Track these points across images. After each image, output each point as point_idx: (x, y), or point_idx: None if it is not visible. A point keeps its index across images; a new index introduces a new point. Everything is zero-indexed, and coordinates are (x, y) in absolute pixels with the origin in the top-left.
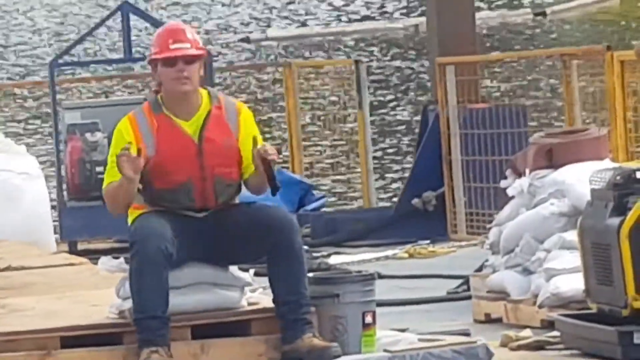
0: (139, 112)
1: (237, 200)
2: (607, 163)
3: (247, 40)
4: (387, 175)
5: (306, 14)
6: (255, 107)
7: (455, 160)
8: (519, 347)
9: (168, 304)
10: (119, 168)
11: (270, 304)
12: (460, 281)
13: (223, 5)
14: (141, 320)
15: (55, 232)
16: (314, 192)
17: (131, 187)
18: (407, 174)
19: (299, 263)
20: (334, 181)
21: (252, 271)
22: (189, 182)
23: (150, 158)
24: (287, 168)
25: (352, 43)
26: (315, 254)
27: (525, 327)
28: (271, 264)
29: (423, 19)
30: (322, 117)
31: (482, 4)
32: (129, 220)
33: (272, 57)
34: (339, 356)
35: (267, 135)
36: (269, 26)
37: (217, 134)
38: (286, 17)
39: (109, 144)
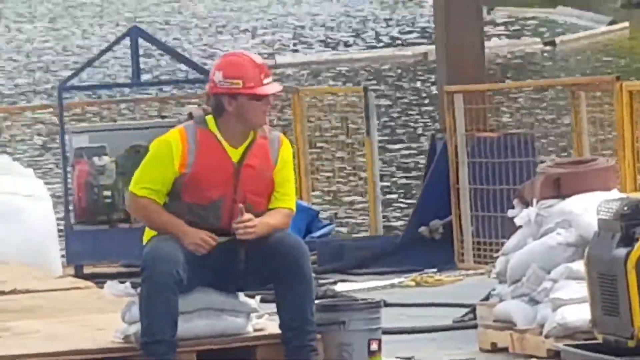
0: (189, 126)
1: None
2: (614, 193)
3: None
4: (394, 202)
5: (316, 41)
6: None
7: (463, 189)
8: None
9: (177, 329)
10: (193, 239)
11: (276, 330)
12: (466, 310)
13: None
14: (149, 344)
15: (61, 256)
16: (321, 219)
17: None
18: (414, 202)
19: (307, 289)
20: (340, 208)
21: (258, 297)
22: (220, 201)
23: (186, 172)
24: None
25: (361, 70)
26: (321, 281)
27: (531, 356)
28: (279, 288)
29: (432, 47)
30: (329, 144)
31: (492, 30)
32: (144, 238)
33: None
34: None
35: None
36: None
37: (257, 162)
38: (295, 45)
39: (117, 168)
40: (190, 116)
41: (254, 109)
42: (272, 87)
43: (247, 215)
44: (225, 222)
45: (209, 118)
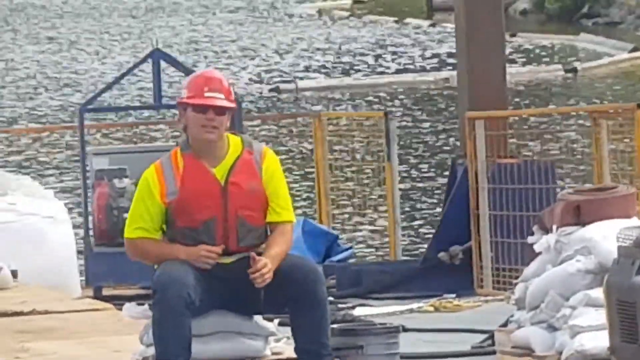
0: (165, 158)
1: (262, 248)
2: (634, 221)
3: (277, 90)
4: (414, 228)
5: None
6: (284, 157)
7: (483, 215)
8: None
9: (190, 352)
10: (195, 256)
11: (294, 354)
12: (485, 336)
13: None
14: None
15: (80, 277)
16: (340, 243)
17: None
18: (434, 228)
19: (321, 313)
20: (360, 232)
21: (276, 321)
22: (211, 222)
23: (173, 200)
24: (314, 218)
25: (382, 95)
26: (340, 305)
27: None
28: (294, 312)
29: (454, 72)
30: (350, 169)
31: (514, 57)
32: (156, 266)
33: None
34: None
35: (296, 185)
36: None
37: (243, 178)
38: (316, 69)
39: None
40: (177, 144)
41: (196, 122)
42: (210, 100)
43: (261, 263)
44: (219, 242)
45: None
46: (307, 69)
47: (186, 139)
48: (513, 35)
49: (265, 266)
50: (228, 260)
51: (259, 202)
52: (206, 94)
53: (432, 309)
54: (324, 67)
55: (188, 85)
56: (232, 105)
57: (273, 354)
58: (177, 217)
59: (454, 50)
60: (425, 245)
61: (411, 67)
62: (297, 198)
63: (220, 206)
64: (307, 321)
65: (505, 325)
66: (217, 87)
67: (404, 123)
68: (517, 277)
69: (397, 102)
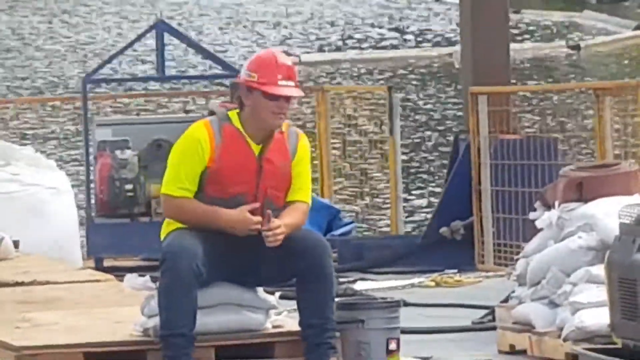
0: (214, 123)
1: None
2: (636, 198)
3: None
4: (416, 203)
5: (341, 39)
6: None
7: (485, 191)
8: None
9: (195, 323)
10: (238, 223)
11: (295, 327)
12: (485, 311)
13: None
14: (167, 338)
15: (82, 248)
16: (342, 217)
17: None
18: (436, 203)
19: (328, 287)
20: (362, 207)
21: (278, 294)
22: (242, 196)
23: (212, 166)
24: (316, 192)
25: (386, 69)
26: (341, 280)
27: (549, 359)
28: (300, 286)
29: (457, 48)
30: (353, 143)
31: (517, 33)
32: (162, 233)
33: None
34: None
35: None
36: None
37: (277, 156)
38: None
39: (139, 161)
40: (212, 112)
41: (266, 107)
42: (286, 90)
43: (275, 222)
44: None
45: (232, 113)
46: (310, 42)
47: (224, 112)
48: (517, 11)
49: (279, 227)
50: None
51: (286, 183)
52: (280, 83)
53: (433, 284)
54: (327, 40)
55: (258, 66)
56: (302, 93)
57: (274, 327)
58: (209, 185)
59: (457, 26)
60: (427, 221)
61: (415, 41)
62: None
63: (254, 182)
64: (313, 295)
65: (506, 301)
66: (290, 75)
67: (407, 98)
68: (518, 253)
69: (400, 77)
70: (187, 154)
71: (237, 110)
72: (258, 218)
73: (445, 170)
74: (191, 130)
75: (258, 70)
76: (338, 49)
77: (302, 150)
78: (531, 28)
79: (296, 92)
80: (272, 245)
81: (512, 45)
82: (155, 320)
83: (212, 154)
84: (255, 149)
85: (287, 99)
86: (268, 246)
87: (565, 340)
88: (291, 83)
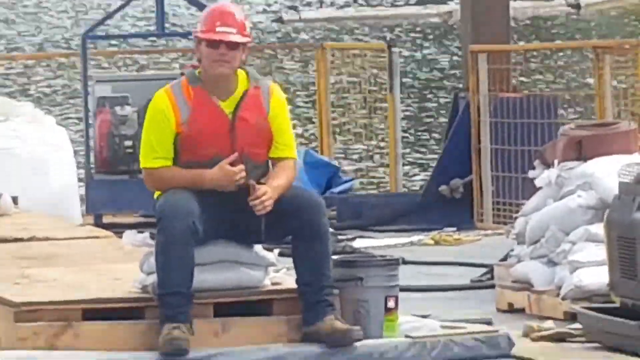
0: (175, 85)
1: (264, 181)
2: (636, 157)
3: (280, 20)
4: (415, 160)
5: None
6: (286, 88)
7: (485, 149)
8: (541, 338)
9: (193, 281)
10: (223, 178)
11: (294, 285)
12: (484, 270)
13: None
14: (165, 296)
15: (81, 205)
16: (342, 174)
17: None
18: (435, 161)
19: (323, 245)
20: (361, 164)
21: (276, 251)
22: (218, 158)
23: (182, 130)
24: (316, 150)
25: (386, 27)
26: (340, 237)
27: (547, 318)
28: (296, 244)
29: (457, 6)
30: (352, 100)
31: None
32: (156, 192)
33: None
34: (360, 340)
35: (297, 116)
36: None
37: (250, 114)
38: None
39: (139, 118)
40: (182, 75)
41: (207, 56)
42: (221, 35)
43: (261, 190)
44: None
45: (197, 72)
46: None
47: (192, 72)
48: None
49: (265, 194)
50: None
51: (264, 139)
52: (218, 29)
53: (432, 242)
54: None
55: (203, 18)
56: (245, 39)
57: (272, 284)
58: (183, 150)
59: None
60: (426, 179)
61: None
62: (298, 129)
63: (228, 142)
64: (308, 253)
65: (505, 259)
66: (229, 21)
67: (407, 55)
68: (517, 212)
69: (400, 35)
70: (154, 125)
71: (199, 70)
72: (240, 167)
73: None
74: (153, 100)
75: (202, 20)
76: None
77: (277, 104)
78: None
79: (233, 37)
80: (262, 213)
81: (512, 4)
82: (154, 277)
83: (178, 119)
84: (226, 107)
85: (227, 45)
86: (258, 215)
87: (563, 298)
88: (231, 29)
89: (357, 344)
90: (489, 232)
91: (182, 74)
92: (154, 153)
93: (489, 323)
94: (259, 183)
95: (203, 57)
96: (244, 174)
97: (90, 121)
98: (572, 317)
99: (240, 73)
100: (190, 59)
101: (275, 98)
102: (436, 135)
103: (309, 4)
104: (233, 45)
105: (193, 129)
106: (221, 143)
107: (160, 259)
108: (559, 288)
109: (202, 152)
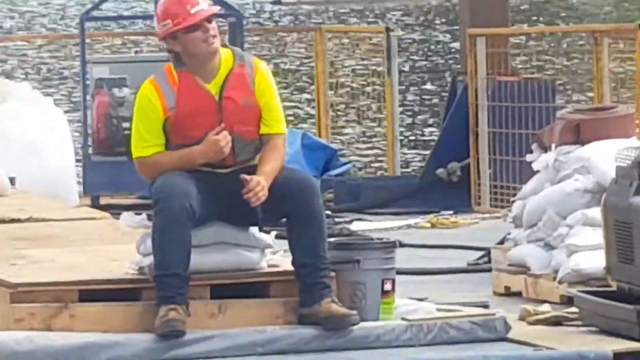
0: (160, 75)
1: (257, 160)
2: (633, 141)
3: (278, 2)
4: (412, 144)
5: None
6: (284, 71)
7: (482, 132)
8: (537, 322)
9: (190, 263)
10: (212, 148)
11: (290, 267)
12: (481, 253)
13: None
14: (162, 277)
15: (78, 186)
16: (339, 157)
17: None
18: (433, 144)
19: (318, 226)
20: (359, 147)
21: (273, 233)
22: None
23: (171, 115)
24: (314, 133)
25: (384, 10)
26: (337, 220)
27: (544, 301)
28: (291, 226)
29: None
30: (350, 84)
31: None
32: None
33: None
34: (357, 323)
35: (295, 100)
36: None
37: (237, 92)
38: None
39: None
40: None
41: (194, 40)
42: (200, 14)
43: (253, 182)
44: (218, 159)
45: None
46: None
47: (175, 57)
48: None
49: (258, 184)
50: (225, 171)
51: (253, 116)
52: (192, 11)
53: (429, 225)
54: None
55: (167, 12)
56: (218, 9)
57: (269, 266)
58: (173, 134)
59: None
60: (424, 162)
61: None
62: (295, 111)
63: (216, 123)
64: (304, 235)
65: (501, 242)
66: (194, 1)
67: (405, 38)
68: (514, 195)
69: (398, 18)
70: (141, 114)
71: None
72: (224, 133)
73: (441, 111)
74: (140, 90)
75: (168, 15)
76: None
77: (262, 79)
78: None
79: (210, 10)
80: (256, 204)
81: None
82: (151, 259)
83: (164, 105)
84: (212, 88)
85: (208, 20)
86: (253, 206)
87: (560, 282)
88: (202, 6)
89: (354, 327)
90: (486, 215)
91: (168, 59)
92: (145, 142)
93: (485, 306)
94: (249, 174)
95: (189, 46)
96: (229, 138)
97: (88, 103)
98: (568, 300)
99: (224, 51)
100: None
101: (260, 74)
102: (434, 119)
103: None
104: (210, 19)
105: (180, 113)
106: (210, 123)
107: (157, 240)
108: (556, 272)
109: (192, 133)
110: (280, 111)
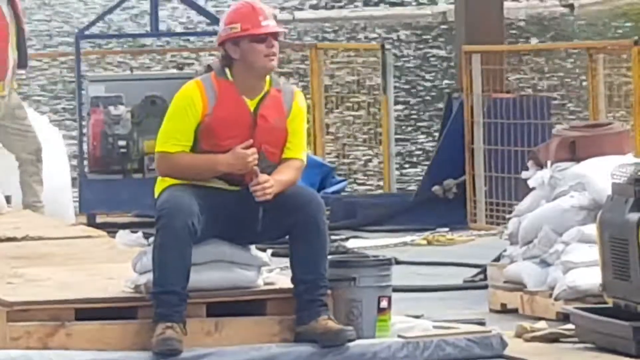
0: (206, 78)
1: None
2: (629, 158)
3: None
4: (408, 161)
5: None
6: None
7: (478, 149)
8: (534, 339)
9: (188, 281)
10: (238, 162)
11: (287, 285)
12: (477, 270)
13: None
14: (160, 295)
15: (74, 204)
16: (335, 175)
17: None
18: (429, 161)
19: (321, 243)
20: (355, 165)
21: (269, 251)
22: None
23: (206, 119)
24: (309, 150)
25: (379, 28)
26: (333, 237)
27: (540, 318)
28: (293, 242)
29: (451, 6)
30: (345, 101)
31: None
32: (157, 189)
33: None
34: (353, 340)
35: None
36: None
37: (271, 112)
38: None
39: (132, 118)
40: (209, 68)
41: (256, 52)
42: (270, 27)
43: (263, 177)
44: (238, 174)
45: (226, 70)
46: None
47: (220, 66)
48: None
49: (268, 181)
50: (235, 188)
51: (281, 139)
52: (263, 23)
53: (425, 242)
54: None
55: (237, 16)
56: (285, 29)
57: (266, 284)
58: (202, 139)
59: None
60: (420, 179)
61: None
62: None
63: (247, 137)
64: (306, 251)
65: (497, 259)
66: (268, 14)
67: (400, 56)
68: (510, 212)
69: (394, 35)
70: (180, 111)
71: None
72: (253, 149)
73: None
74: (183, 88)
75: (239, 19)
76: (331, 7)
77: (297, 108)
78: None
79: (280, 28)
80: (262, 199)
81: (506, 4)
82: (147, 277)
83: (205, 109)
84: (250, 104)
85: (274, 36)
86: (258, 201)
87: (556, 299)
88: (272, 22)
89: (350, 344)
90: (482, 232)
91: (208, 66)
92: (174, 139)
93: (481, 323)
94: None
95: (249, 55)
96: (256, 156)
97: (84, 121)
98: (564, 317)
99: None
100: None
101: (297, 102)
102: (430, 136)
103: (302, 6)
104: (276, 37)
105: (216, 119)
106: (241, 136)
107: (157, 257)
108: (552, 288)
109: (221, 143)
110: (304, 140)
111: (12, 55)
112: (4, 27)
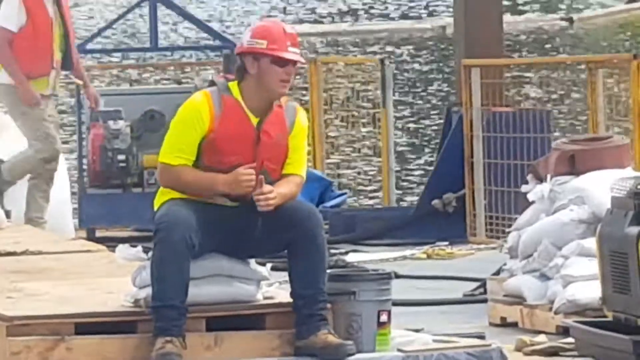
0: (214, 92)
1: None
2: (628, 171)
3: None
4: (408, 175)
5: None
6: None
7: (477, 163)
8: (533, 352)
9: (187, 295)
10: (236, 183)
11: (286, 299)
12: (477, 284)
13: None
14: (159, 309)
15: (74, 219)
16: (334, 188)
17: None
18: (428, 175)
19: (320, 257)
20: (354, 179)
21: (269, 265)
22: (239, 167)
23: (211, 134)
24: (308, 164)
25: (379, 41)
26: (332, 251)
27: (540, 332)
28: (292, 257)
29: (450, 20)
30: (345, 115)
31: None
32: (156, 202)
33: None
34: (353, 354)
35: None
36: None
37: (273, 128)
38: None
39: (132, 132)
40: (212, 83)
41: (274, 74)
42: (295, 55)
43: (267, 187)
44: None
45: (232, 85)
46: (303, 14)
47: (224, 83)
48: None
49: (272, 192)
50: (234, 204)
51: (282, 155)
52: (290, 49)
53: (424, 256)
54: (319, 12)
55: (267, 33)
56: (304, 61)
57: (265, 298)
58: (206, 155)
59: None
60: (419, 193)
61: (408, 13)
62: None
63: (251, 153)
64: (304, 265)
65: (497, 273)
66: (296, 42)
67: (400, 70)
68: (510, 226)
69: (393, 49)
70: (187, 124)
71: (237, 82)
72: (251, 171)
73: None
74: (191, 100)
75: (267, 37)
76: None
77: (299, 125)
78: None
79: (302, 59)
80: (264, 209)
81: (505, 18)
82: (147, 291)
83: (212, 124)
84: (254, 120)
85: (294, 64)
86: (260, 210)
87: (556, 313)
88: (297, 50)
89: (350, 358)
90: (482, 246)
91: (212, 82)
92: (178, 152)
93: (481, 337)
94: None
95: (264, 74)
96: (254, 178)
97: (84, 135)
98: (564, 331)
99: None
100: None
101: (299, 119)
102: (429, 150)
103: (302, 20)
104: (297, 65)
105: (220, 134)
106: (245, 153)
107: (155, 271)
108: (552, 302)
109: (225, 158)
110: (304, 157)
111: (56, 56)
112: (48, 24)
